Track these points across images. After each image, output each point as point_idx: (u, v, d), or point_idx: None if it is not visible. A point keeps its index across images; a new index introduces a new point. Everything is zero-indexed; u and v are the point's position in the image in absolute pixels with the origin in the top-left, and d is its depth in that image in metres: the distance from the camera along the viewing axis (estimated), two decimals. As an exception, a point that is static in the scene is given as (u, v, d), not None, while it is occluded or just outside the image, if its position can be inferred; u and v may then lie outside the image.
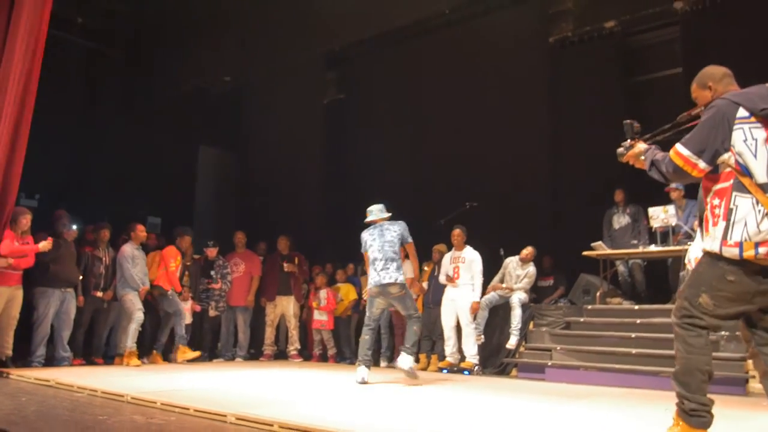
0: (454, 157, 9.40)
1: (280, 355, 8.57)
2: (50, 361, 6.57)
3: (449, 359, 7.01)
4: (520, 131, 8.95)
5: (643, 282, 7.48)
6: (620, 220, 7.63)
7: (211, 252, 8.23)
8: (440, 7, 9.25)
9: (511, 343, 6.84)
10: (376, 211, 5.96)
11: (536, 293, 7.84)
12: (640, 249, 6.98)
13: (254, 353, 8.56)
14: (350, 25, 9.51)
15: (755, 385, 5.30)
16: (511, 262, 7.34)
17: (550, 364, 6.41)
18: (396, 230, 5.82)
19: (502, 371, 6.94)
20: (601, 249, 7.18)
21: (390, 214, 6.03)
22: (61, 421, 3.67)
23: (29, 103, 6.16)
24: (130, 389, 4.55)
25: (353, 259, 8.74)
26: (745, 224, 2.49)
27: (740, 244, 2.50)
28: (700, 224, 5.69)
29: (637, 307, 6.66)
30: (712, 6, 7.86)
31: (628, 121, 3.04)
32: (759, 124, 2.54)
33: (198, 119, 11.41)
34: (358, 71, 11.08)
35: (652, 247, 6.87)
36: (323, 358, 8.35)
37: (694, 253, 6.13)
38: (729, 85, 2.80)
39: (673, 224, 6.74)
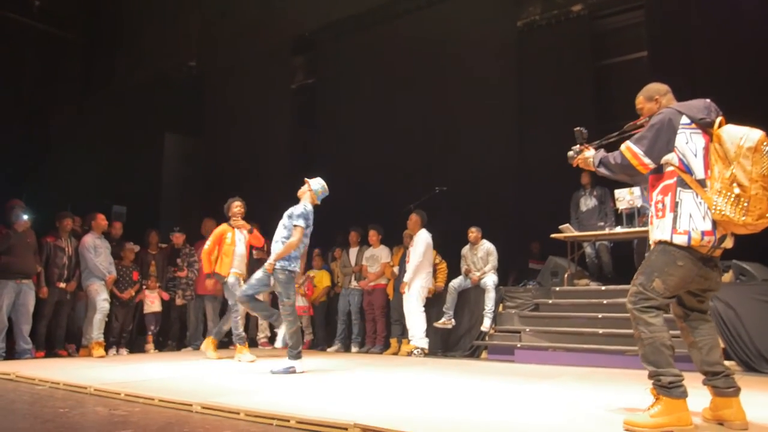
0: (424, 141, 9.39)
1: (250, 343, 8.44)
2: (11, 354, 6.40)
3: (414, 343, 7.02)
4: (488, 115, 8.93)
5: (610, 263, 7.59)
6: (587, 202, 7.71)
7: (178, 239, 8.07)
8: (408, -10, 9.18)
9: (485, 325, 6.87)
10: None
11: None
12: (607, 231, 7.08)
13: (224, 342, 8.46)
14: (317, 9, 9.38)
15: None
16: (466, 251, 7.36)
17: (519, 345, 6.47)
18: (287, 213, 5.48)
19: (472, 354, 6.98)
20: (568, 231, 7.25)
21: (306, 191, 5.58)
22: (19, 414, 3.57)
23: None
24: (93, 381, 4.45)
25: (325, 246, 8.69)
26: (690, 216, 2.84)
27: (689, 233, 2.83)
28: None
29: (604, 287, 6.76)
30: (676, -10, 7.93)
31: (578, 128, 3.40)
32: (698, 130, 2.94)
33: (162, 105, 11.16)
34: (327, 55, 10.93)
35: (618, 229, 6.97)
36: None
37: (658, 234, 6.26)
38: (671, 100, 3.17)
39: (639, 206, 6.84)
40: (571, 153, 3.42)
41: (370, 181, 9.45)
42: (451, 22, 9.30)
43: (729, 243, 2.89)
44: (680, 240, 2.85)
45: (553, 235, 7.30)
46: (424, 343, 6.91)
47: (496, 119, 8.97)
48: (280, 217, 5.59)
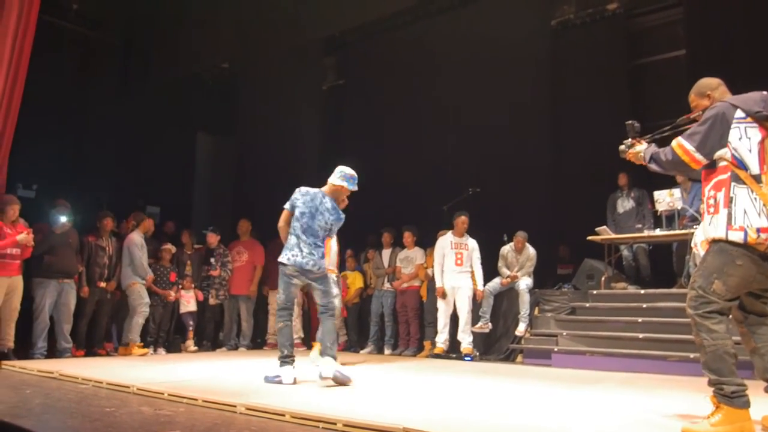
0: (455, 142, 9.34)
1: (262, 344, 8.52)
2: (52, 352, 6.51)
3: (441, 346, 6.97)
4: (522, 115, 8.86)
5: (648, 266, 7.45)
6: (624, 204, 7.58)
7: (212, 238, 8.13)
8: (442, -9, 9.15)
9: (520, 329, 6.82)
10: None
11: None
12: (645, 233, 6.94)
13: (258, 342, 8.53)
14: (349, 10, 9.35)
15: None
16: (508, 252, 7.28)
17: (556, 349, 6.38)
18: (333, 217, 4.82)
19: (508, 357, 6.92)
20: (605, 234, 7.13)
21: (339, 184, 4.86)
22: (68, 413, 3.61)
23: (18, 90, 6.09)
24: (135, 380, 4.49)
25: (357, 247, 8.70)
26: (745, 212, 2.79)
27: (744, 229, 2.77)
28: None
29: (643, 291, 6.63)
30: (716, -13, 7.77)
31: (630, 121, 3.33)
32: (754, 124, 2.86)
33: (195, 106, 11.30)
34: (358, 56, 10.95)
35: (657, 231, 6.84)
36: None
37: (700, 236, 6.12)
38: (724, 93, 3.08)
39: (679, 207, 6.71)
40: (622, 147, 3.36)
41: (402, 182, 9.43)
42: (483, 22, 9.24)
43: None
44: (736, 237, 2.79)
45: (589, 237, 7.19)
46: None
47: (530, 120, 8.89)
48: None
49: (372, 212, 8.90)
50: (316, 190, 4.85)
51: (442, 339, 6.99)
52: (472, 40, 9.29)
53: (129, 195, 9.73)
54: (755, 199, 2.79)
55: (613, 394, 4.24)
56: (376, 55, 10.57)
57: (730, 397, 2.72)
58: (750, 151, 2.83)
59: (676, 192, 6.73)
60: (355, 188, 4.92)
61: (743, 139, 2.84)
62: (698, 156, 2.91)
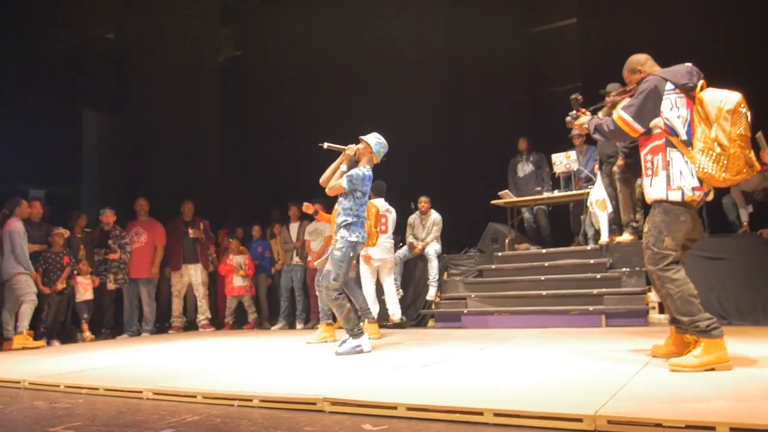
0: (356, 112, 9.22)
1: (190, 327, 8.22)
2: None
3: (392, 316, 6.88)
4: (421, 83, 8.89)
5: (548, 227, 7.79)
6: (524, 168, 7.84)
7: (109, 218, 7.64)
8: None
9: (431, 294, 6.91)
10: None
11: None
12: (545, 195, 7.22)
13: (161, 327, 8.16)
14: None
15: (654, 315, 5.69)
16: (415, 219, 7.33)
17: (465, 312, 6.54)
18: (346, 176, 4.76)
19: (419, 323, 7.02)
20: (507, 197, 7.36)
21: (364, 152, 4.84)
22: (-52, 415, 3.26)
23: None
24: (26, 374, 4.15)
25: (257, 222, 8.52)
26: (681, 173, 3.11)
27: (682, 189, 3.09)
28: (601, 168, 6.06)
29: (544, 251, 6.92)
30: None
31: (574, 95, 3.68)
32: (682, 95, 3.16)
33: (79, 81, 10.45)
34: (255, 26, 10.54)
35: (556, 193, 7.13)
36: (237, 325, 8.10)
37: (595, 195, 6.44)
38: (653, 66, 3.39)
39: (575, 169, 7.01)
40: (568, 118, 3.69)
41: (305, 154, 9.24)
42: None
43: (710, 197, 3.26)
44: (675, 196, 3.11)
45: (492, 201, 7.40)
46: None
47: (429, 87, 8.93)
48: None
49: (274, 186, 8.71)
50: None
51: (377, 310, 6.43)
52: (369, 9, 9.17)
53: (9, 179, 8.91)
54: (687, 161, 3.10)
55: (528, 348, 4.36)
56: (272, 25, 10.22)
57: (706, 330, 2.99)
58: (679, 118, 3.14)
59: (572, 154, 7.03)
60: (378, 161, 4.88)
61: (673, 108, 3.15)
62: (636, 125, 3.21)
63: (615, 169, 6.37)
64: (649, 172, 3.24)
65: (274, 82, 10.09)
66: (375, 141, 4.83)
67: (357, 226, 4.59)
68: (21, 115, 9.38)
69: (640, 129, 3.23)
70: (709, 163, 3.01)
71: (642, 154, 3.32)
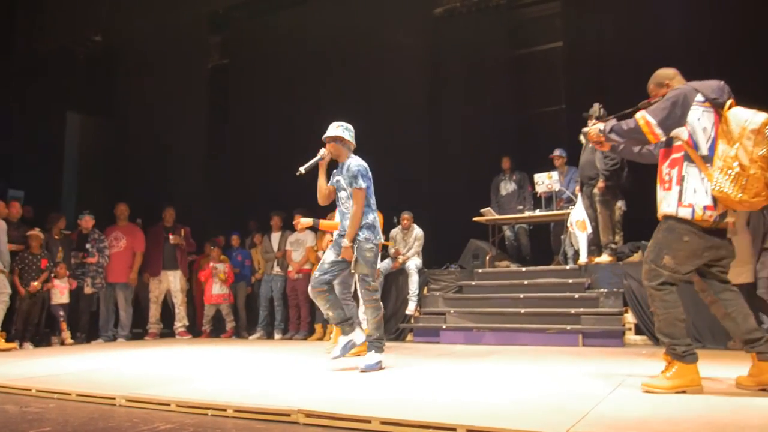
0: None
1: (167, 334, 8.15)
2: None
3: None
4: (405, 100, 8.96)
5: (528, 245, 7.87)
6: (507, 186, 7.93)
7: (88, 222, 7.58)
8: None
9: (410, 308, 6.91)
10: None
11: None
12: (526, 214, 7.30)
13: (138, 333, 8.07)
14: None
15: (631, 336, 5.75)
16: (397, 233, 7.36)
17: (444, 327, 6.56)
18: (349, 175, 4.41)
19: (398, 337, 7.02)
20: (489, 214, 7.42)
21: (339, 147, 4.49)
22: None
23: None
24: (-3, 377, 4.09)
25: (236, 231, 8.52)
26: (695, 190, 3.02)
27: (692, 207, 3.01)
28: (582, 189, 5.84)
29: (524, 269, 6.98)
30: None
31: (596, 104, 3.74)
32: (710, 109, 3.08)
33: (64, 83, 10.38)
34: (244, 35, 10.56)
35: (537, 212, 7.22)
36: (215, 334, 8.05)
37: (575, 216, 6.53)
38: (681, 81, 3.28)
39: (557, 189, 7.10)
40: (585, 129, 3.49)
41: (288, 165, 9.22)
42: (369, 5, 9.16)
43: (731, 219, 3.09)
44: (684, 213, 3.03)
45: (475, 218, 7.46)
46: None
47: (414, 105, 9.01)
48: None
49: (257, 194, 8.69)
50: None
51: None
52: (356, 23, 9.24)
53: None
54: (703, 179, 3.01)
55: (507, 365, 4.39)
56: (261, 35, 10.25)
57: (682, 356, 3.03)
58: (704, 133, 3.05)
59: (554, 174, 7.12)
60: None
61: (701, 120, 3.05)
62: (658, 130, 3.10)
63: (595, 191, 6.47)
64: (666, 186, 3.14)
65: (260, 92, 10.09)
66: (341, 130, 4.47)
67: (377, 226, 4.40)
68: (2, 115, 9.30)
69: (662, 135, 3.12)
70: (726, 182, 2.92)
71: (661, 167, 3.20)
